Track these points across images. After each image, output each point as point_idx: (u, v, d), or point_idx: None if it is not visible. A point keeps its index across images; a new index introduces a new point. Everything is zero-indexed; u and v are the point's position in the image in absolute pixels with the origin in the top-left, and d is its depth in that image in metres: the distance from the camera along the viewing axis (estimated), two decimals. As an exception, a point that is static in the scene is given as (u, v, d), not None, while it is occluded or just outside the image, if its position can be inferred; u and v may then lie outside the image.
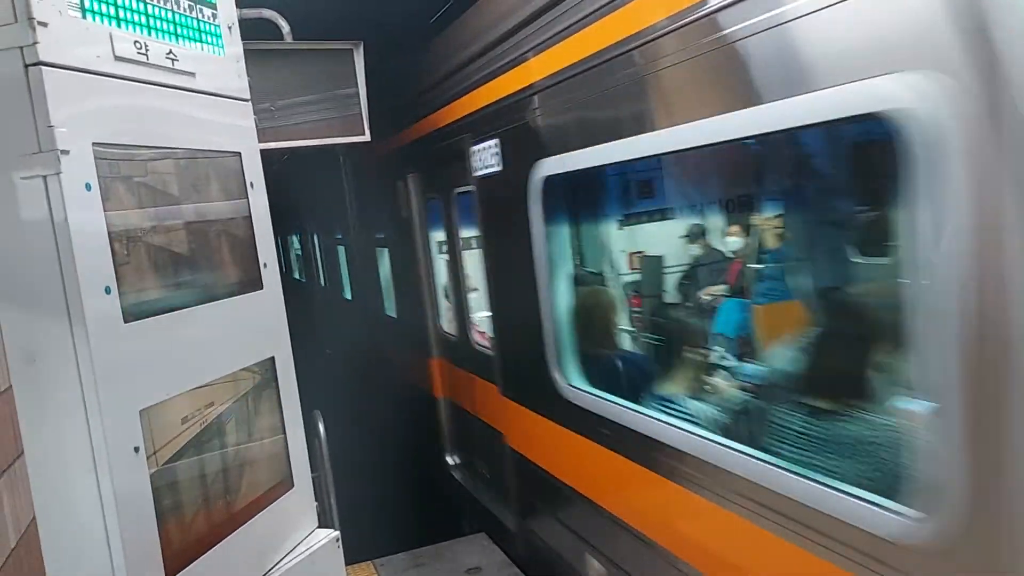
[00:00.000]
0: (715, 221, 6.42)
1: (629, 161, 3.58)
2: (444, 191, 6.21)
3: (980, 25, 1.90)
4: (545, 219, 4.16)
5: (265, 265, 2.85)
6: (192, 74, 2.54)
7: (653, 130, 3.20)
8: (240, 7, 2.93)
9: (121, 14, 2.26)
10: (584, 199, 4.68)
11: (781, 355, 3.28)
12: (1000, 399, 1.96)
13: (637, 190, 6.31)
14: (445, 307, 6.85)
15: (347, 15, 6.19)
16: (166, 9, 2.46)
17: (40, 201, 1.95)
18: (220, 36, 2.75)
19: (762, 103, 2.56)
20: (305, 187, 11.66)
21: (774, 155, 4.13)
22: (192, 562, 2.33)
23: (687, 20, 2.87)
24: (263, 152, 2.99)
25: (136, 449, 2.13)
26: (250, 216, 2.81)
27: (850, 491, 2.45)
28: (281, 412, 2.91)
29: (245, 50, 2.92)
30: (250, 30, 3.35)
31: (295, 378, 2.99)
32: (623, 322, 5.00)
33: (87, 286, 1.99)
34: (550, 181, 4.06)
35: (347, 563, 3.22)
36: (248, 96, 2.91)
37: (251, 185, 2.83)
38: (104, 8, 2.19)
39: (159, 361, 2.27)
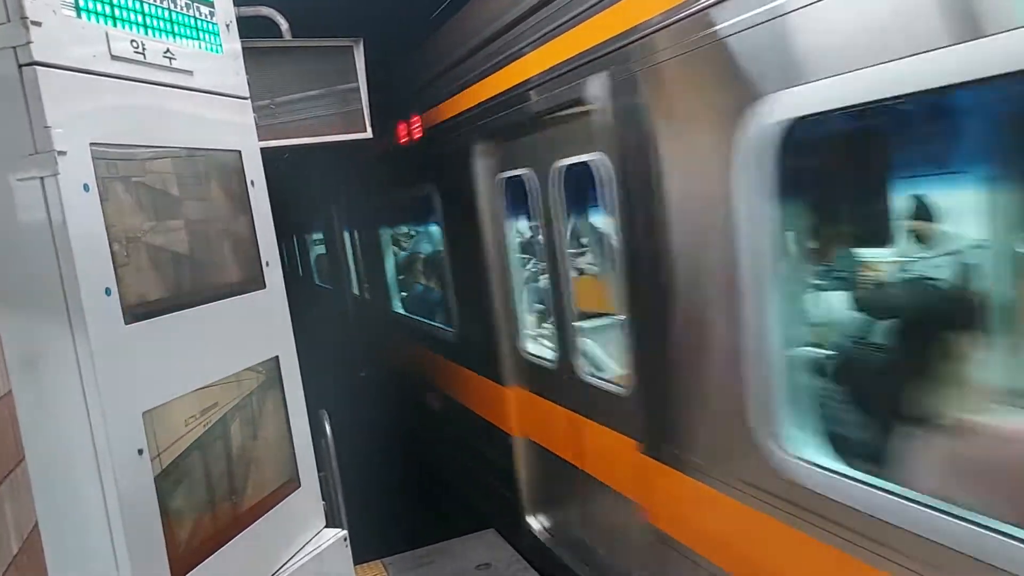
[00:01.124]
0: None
1: None
2: None
3: None
4: None
5: (267, 264, 2.83)
6: (190, 72, 2.51)
7: None
8: (238, 5, 2.90)
9: (117, 13, 2.23)
10: None
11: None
12: None
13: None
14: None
15: (346, 11, 6.16)
16: (163, 8, 2.43)
17: (38, 203, 1.93)
18: (218, 34, 2.72)
19: None
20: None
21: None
22: (199, 564, 2.32)
23: None
24: (264, 150, 2.97)
25: (139, 451, 2.10)
26: (251, 214, 2.79)
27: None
28: (286, 411, 2.89)
29: (244, 48, 2.89)
30: (248, 28, 3.32)
31: (300, 377, 2.97)
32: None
33: (87, 288, 1.97)
34: None
35: (355, 562, 3.20)
36: (247, 93, 2.88)
37: (252, 183, 2.80)
38: (99, 7, 2.16)
39: (161, 362, 2.25)
